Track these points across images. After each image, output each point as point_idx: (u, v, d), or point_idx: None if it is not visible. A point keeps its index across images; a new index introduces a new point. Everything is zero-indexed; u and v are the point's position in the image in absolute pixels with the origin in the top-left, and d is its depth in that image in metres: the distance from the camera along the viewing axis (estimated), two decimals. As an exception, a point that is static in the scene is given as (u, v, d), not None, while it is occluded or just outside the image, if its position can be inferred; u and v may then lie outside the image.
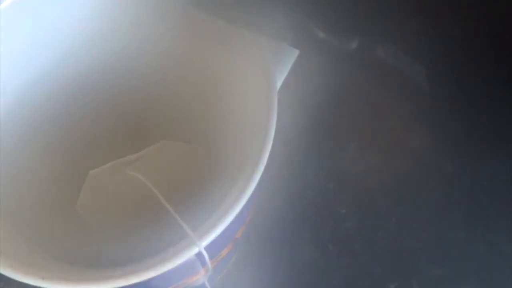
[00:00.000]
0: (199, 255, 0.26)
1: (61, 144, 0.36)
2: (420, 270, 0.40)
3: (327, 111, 0.44)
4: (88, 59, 0.34)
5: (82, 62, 0.34)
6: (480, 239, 0.40)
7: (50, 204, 0.35)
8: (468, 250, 0.40)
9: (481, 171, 0.41)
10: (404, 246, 0.41)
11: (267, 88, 0.29)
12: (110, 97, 0.36)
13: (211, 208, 0.28)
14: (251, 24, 0.29)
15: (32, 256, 0.28)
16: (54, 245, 0.32)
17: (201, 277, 0.30)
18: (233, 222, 0.26)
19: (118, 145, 0.36)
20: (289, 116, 0.40)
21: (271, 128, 0.27)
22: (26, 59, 0.32)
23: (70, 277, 0.25)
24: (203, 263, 0.27)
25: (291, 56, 0.32)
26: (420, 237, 0.41)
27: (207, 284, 0.29)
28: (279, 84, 0.30)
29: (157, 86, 0.36)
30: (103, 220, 0.35)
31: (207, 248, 0.26)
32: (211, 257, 0.27)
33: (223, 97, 0.33)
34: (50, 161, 0.35)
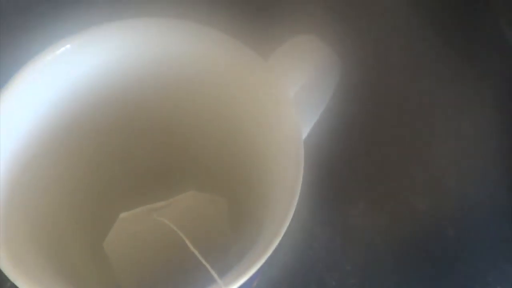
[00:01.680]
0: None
1: (93, 184, 0.38)
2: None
3: (338, 169, 0.46)
4: (119, 102, 0.36)
5: (113, 105, 0.36)
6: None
7: (79, 241, 0.37)
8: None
9: (481, 234, 0.44)
10: (404, 305, 0.43)
11: (294, 146, 0.30)
12: (144, 145, 0.38)
13: (232, 260, 0.29)
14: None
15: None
16: (78, 281, 0.34)
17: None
18: (256, 272, 0.28)
19: (148, 191, 0.38)
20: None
21: (298, 185, 0.29)
22: (51, 100, 0.34)
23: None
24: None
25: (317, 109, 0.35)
26: (420, 297, 0.43)
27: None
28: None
29: (188, 137, 0.38)
30: (129, 262, 0.37)
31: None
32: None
33: (250, 152, 0.35)
34: (82, 200, 0.37)
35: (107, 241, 0.37)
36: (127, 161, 0.39)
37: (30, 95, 0.32)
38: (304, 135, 0.36)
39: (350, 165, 0.47)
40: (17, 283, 0.26)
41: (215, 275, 0.28)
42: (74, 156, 0.36)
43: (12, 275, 0.26)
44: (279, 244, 0.43)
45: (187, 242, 0.31)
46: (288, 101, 0.32)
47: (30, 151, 0.33)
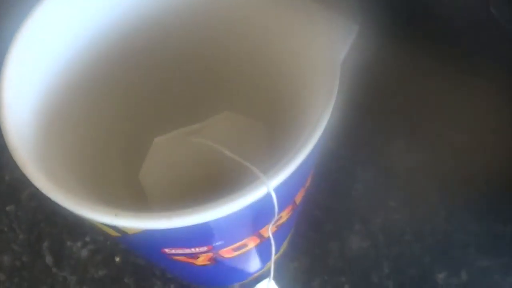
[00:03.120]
0: (264, 205, 0.27)
1: (128, 110, 0.37)
2: (469, 261, 0.40)
3: (375, 108, 0.45)
4: (152, 22, 0.36)
5: (146, 31, 0.36)
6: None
7: (114, 170, 0.36)
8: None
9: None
10: (453, 238, 0.41)
11: (330, 65, 0.30)
12: (177, 65, 0.38)
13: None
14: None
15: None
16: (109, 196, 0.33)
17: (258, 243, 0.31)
18: (298, 174, 0.27)
19: (183, 115, 0.37)
20: (338, 112, 0.41)
21: (335, 86, 0.28)
22: (85, 21, 0.34)
23: (141, 215, 0.26)
24: (269, 215, 0.28)
25: (352, 32, 0.34)
26: (469, 230, 0.41)
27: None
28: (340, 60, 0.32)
29: (224, 58, 0.37)
30: (164, 191, 0.36)
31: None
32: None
33: (285, 73, 0.34)
34: (118, 127, 0.36)
35: (142, 170, 0.36)
36: (161, 85, 0.38)
37: (64, 21, 0.32)
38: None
39: (388, 103, 0.46)
40: (50, 195, 0.26)
41: (256, 171, 0.27)
42: (109, 82, 0.36)
43: (44, 187, 0.26)
44: (321, 185, 0.42)
45: (225, 151, 0.30)
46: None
47: (69, 77, 0.33)
